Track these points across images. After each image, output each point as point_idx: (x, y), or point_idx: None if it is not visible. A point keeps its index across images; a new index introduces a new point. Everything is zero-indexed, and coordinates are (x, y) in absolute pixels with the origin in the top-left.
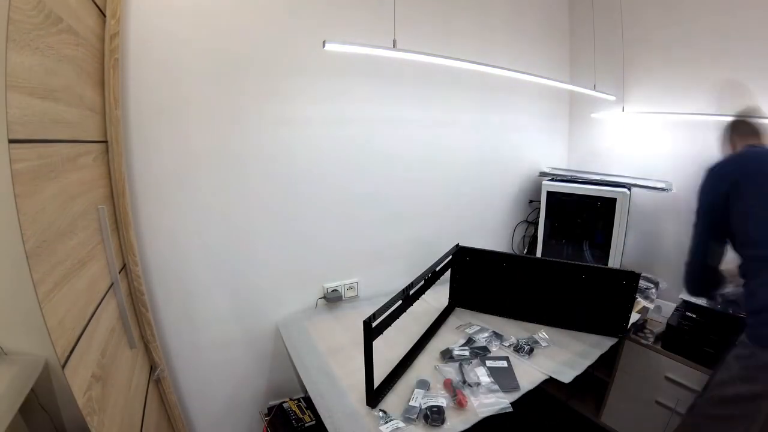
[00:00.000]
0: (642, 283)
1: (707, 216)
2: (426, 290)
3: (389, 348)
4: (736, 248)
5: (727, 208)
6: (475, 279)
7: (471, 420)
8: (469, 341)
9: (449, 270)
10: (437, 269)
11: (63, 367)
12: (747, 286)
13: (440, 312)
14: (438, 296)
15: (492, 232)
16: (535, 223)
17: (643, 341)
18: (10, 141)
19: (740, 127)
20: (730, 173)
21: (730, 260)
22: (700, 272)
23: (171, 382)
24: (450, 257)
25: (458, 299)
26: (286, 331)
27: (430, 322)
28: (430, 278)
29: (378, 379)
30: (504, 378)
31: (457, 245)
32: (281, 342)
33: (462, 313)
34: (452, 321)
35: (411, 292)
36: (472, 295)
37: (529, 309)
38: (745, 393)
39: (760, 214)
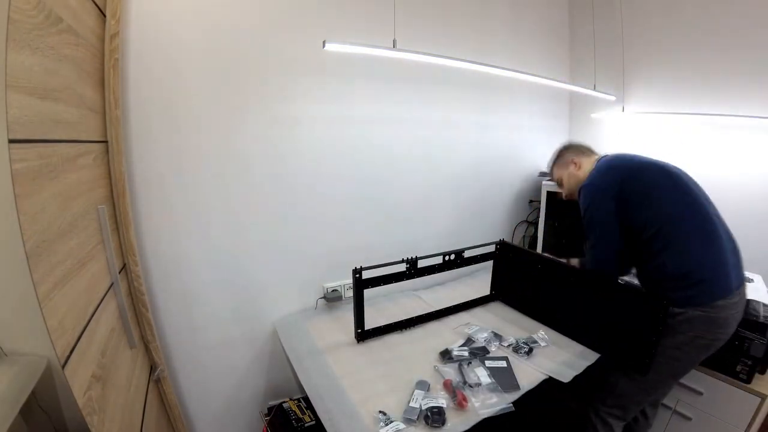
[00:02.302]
0: None
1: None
2: (444, 270)
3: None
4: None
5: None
6: (514, 276)
7: (472, 420)
8: (468, 341)
9: (481, 263)
10: (464, 255)
11: (63, 367)
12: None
13: (480, 297)
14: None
15: (492, 232)
16: (535, 223)
17: None
18: (10, 141)
19: (575, 151)
20: (608, 185)
21: None
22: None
23: (171, 382)
24: (486, 250)
25: (500, 293)
26: (285, 332)
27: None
28: (452, 260)
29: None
30: (504, 378)
31: (501, 240)
32: (281, 342)
33: (499, 307)
34: (479, 313)
35: (419, 264)
36: (511, 292)
37: (559, 318)
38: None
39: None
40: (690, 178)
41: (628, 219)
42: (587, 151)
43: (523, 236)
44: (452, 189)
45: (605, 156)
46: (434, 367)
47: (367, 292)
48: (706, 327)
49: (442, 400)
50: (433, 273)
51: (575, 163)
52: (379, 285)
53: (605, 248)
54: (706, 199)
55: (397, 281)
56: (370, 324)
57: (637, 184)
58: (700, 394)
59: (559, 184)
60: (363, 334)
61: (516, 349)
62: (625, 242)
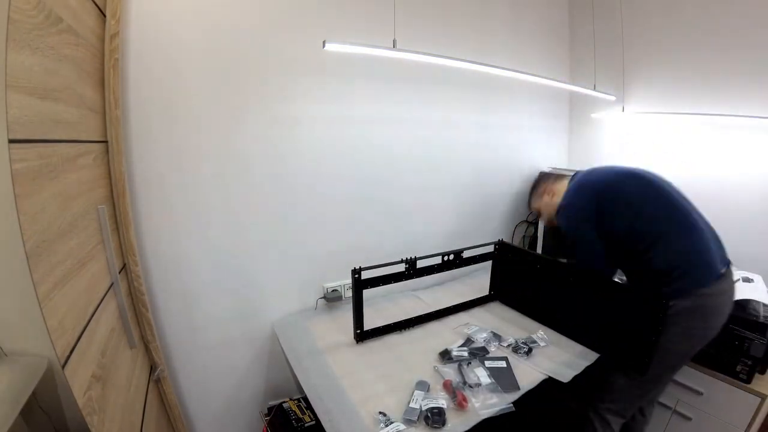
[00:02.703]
0: None
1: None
2: (444, 270)
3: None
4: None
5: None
6: (514, 276)
7: (472, 421)
8: (468, 341)
9: (481, 263)
10: (463, 255)
11: (63, 367)
12: None
13: (479, 297)
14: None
15: (492, 232)
16: (535, 223)
17: None
18: (10, 141)
19: (548, 181)
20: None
21: None
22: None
23: (171, 382)
24: (485, 251)
25: (499, 293)
26: (284, 332)
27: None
28: (451, 260)
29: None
30: (504, 378)
31: (500, 240)
32: (280, 342)
33: (498, 307)
34: (478, 313)
35: (418, 265)
36: (510, 292)
37: (558, 318)
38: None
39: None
40: (661, 178)
41: (610, 229)
42: (559, 178)
43: (523, 236)
44: (452, 189)
45: (576, 174)
46: (434, 367)
47: (366, 293)
48: (695, 316)
49: (442, 401)
50: (432, 273)
51: (549, 192)
52: (379, 285)
53: (593, 261)
54: (680, 195)
55: (396, 281)
56: (369, 324)
57: (612, 195)
58: (700, 394)
59: (538, 214)
60: (362, 335)
61: (515, 349)
62: (610, 250)
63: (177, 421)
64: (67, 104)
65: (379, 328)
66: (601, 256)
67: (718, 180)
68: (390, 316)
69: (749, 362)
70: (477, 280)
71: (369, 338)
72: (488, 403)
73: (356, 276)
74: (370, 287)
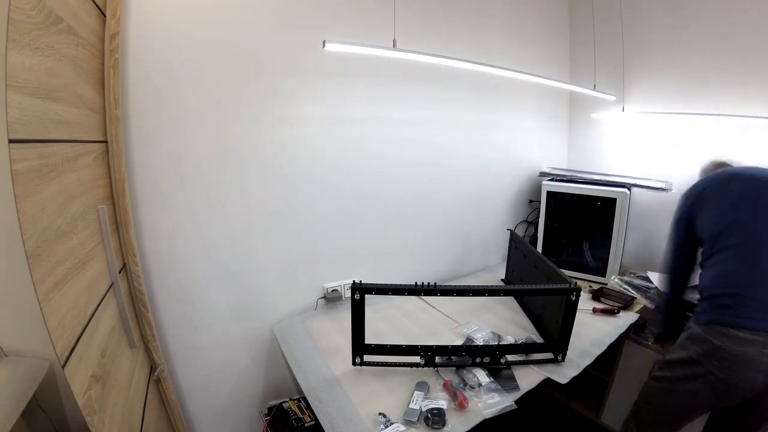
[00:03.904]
0: (642, 283)
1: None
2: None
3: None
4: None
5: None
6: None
7: (473, 421)
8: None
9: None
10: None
11: (63, 367)
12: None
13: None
14: None
15: (492, 233)
16: (535, 223)
17: (643, 341)
18: (10, 141)
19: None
20: (694, 189)
21: None
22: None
23: (171, 382)
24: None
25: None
26: (283, 333)
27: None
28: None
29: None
30: (503, 378)
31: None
32: (280, 343)
33: (499, 306)
34: (479, 313)
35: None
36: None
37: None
38: (676, 358)
39: (714, 210)
40: None
41: (698, 225)
42: (719, 166)
43: (523, 236)
44: (452, 188)
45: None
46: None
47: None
48: (705, 352)
49: (442, 402)
50: (450, 295)
51: None
52: (386, 294)
53: (670, 257)
54: None
55: (402, 294)
56: (368, 326)
57: (716, 190)
58: None
59: None
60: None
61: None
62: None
63: (177, 421)
64: (67, 104)
65: (379, 356)
66: (679, 253)
67: None
68: (388, 316)
69: None
70: (479, 280)
71: (369, 354)
72: (489, 403)
73: (356, 296)
74: (374, 293)
